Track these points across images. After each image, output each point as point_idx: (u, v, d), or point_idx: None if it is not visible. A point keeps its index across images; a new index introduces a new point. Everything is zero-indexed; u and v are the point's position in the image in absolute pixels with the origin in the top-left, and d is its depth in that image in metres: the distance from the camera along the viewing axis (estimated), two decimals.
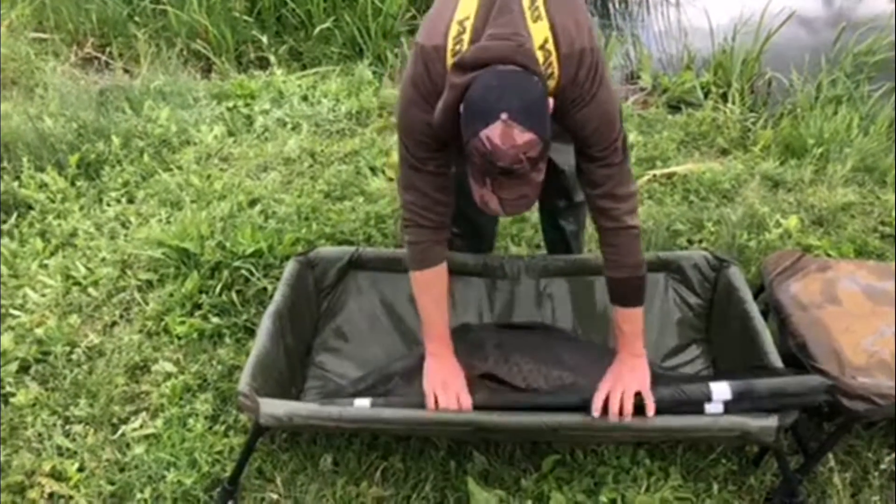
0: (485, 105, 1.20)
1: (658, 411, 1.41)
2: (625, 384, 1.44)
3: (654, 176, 2.69)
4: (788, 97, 3.41)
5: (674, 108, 3.39)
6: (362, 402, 1.49)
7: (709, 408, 1.42)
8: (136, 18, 4.08)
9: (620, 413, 1.41)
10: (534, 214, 2.40)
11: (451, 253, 2.05)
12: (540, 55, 1.29)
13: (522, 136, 1.18)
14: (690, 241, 2.34)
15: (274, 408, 1.44)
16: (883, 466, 1.62)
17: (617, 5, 5.83)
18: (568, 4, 1.36)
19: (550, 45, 1.30)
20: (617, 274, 1.49)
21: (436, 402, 1.45)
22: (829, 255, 2.21)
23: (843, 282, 1.78)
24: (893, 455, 1.65)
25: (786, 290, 1.75)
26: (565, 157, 1.66)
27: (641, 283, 1.49)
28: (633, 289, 1.49)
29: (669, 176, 2.70)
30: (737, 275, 1.78)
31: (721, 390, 1.41)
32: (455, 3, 1.35)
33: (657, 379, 1.48)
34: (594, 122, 1.37)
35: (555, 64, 1.31)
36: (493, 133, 1.18)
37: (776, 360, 1.53)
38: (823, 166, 2.76)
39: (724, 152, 2.94)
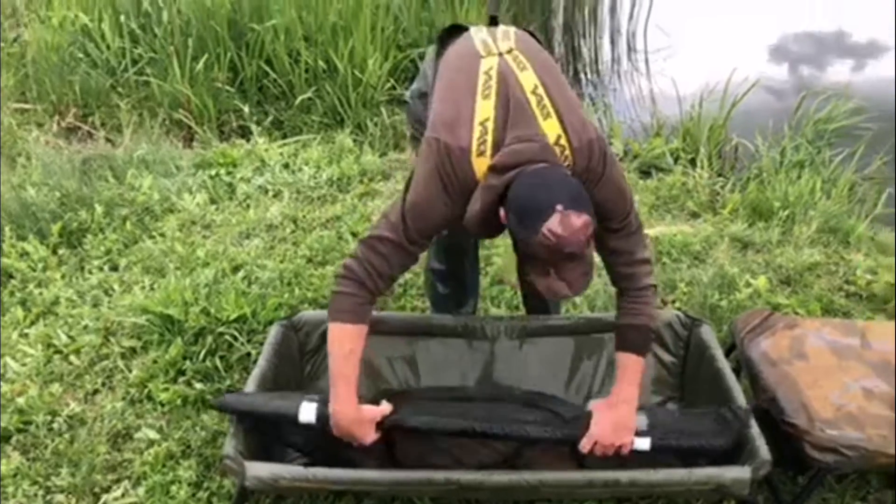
0: (536, 202, 1.35)
1: None
2: (609, 440, 1.55)
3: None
4: (754, 162, 3.61)
5: (645, 173, 3.57)
6: (309, 406, 1.57)
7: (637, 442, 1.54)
8: (119, 89, 4.22)
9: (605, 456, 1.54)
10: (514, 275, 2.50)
11: (431, 315, 2.15)
12: (556, 150, 1.45)
13: (579, 220, 1.33)
14: (664, 302, 2.45)
15: (259, 470, 1.49)
16: None
17: (588, 75, 6.15)
18: (569, 101, 1.53)
19: (564, 141, 1.47)
20: (633, 321, 1.62)
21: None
22: (797, 314, 2.33)
23: (810, 338, 1.89)
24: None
25: (756, 347, 1.86)
26: None
27: (651, 334, 1.65)
28: (644, 337, 1.63)
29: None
30: (708, 333, 1.88)
31: (640, 421, 1.56)
32: (471, 103, 1.49)
33: None
34: (611, 198, 1.53)
35: (570, 156, 1.47)
36: (554, 225, 1.32)
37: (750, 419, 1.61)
38: (790, 228, 2.92)
39: (695, 215, 3.09)
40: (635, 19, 6.71)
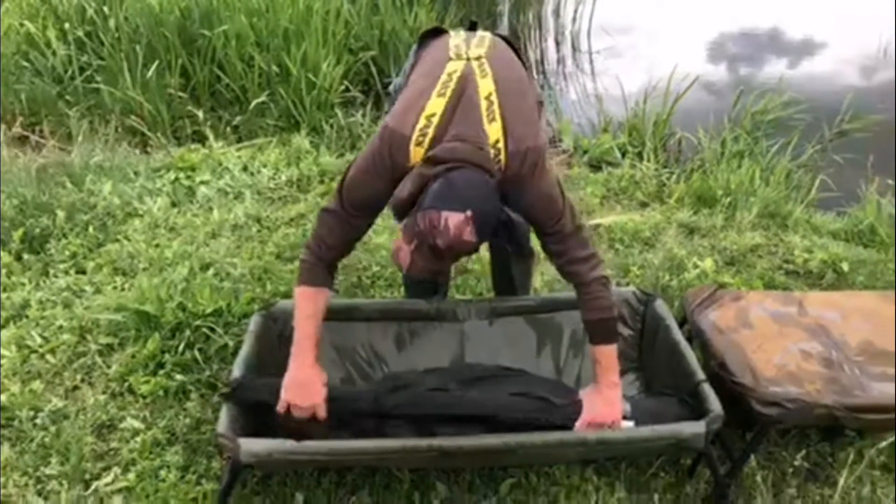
0: (456, 197, 1.48)
1: None
2: (601, 417, 1.70)
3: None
4: (697, 154, 3.85)
5: (595, 167, 3.78)
6: None
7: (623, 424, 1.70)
8: (67, 97, 4.22)
9: None
10: (476, 265, 2.65)
11: (404, 300, 2.28)
12: (492, 151, 1.59)
13: (469, 237, 1.47)
14: (619, 284, 2.62)
15: (253, 445, 1.58)
16: (797, 463, 1.89)
17: (535, 76, 6.36)
18: (520, 106, 1.67)
19: (501, 145, 1.60)
20: (592, 316, 1.76)
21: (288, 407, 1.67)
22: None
23: (753, 309, 2.09)
24: (804, 453, 1.92)
25: (705, 318, 2.04)
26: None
27: (613, 323, 1.77)
28: (606, 328, 1.76)
29: (595, 227, 3.01)
30: (662, 307, 2.05)
31: (624, 407, 1.74)
32: (427, 96, 1.63)
33: None
34: (537, 204, 1.68)
35: (503, 160, 1.61)
36: (454, 220, 1.45)
37: (701, 376, 1.79)
38: (732, 214, 3.15)
39: (643, 205, 3.30)
40: (578, 21, 6.98)
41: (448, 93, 1.62)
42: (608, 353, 1.76)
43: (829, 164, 3.58)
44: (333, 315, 2.08)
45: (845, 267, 2.67)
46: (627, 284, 2.65)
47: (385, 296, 2.54)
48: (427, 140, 1.59)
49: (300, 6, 4.64)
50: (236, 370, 1.81)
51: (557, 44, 6.96)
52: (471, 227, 1.47)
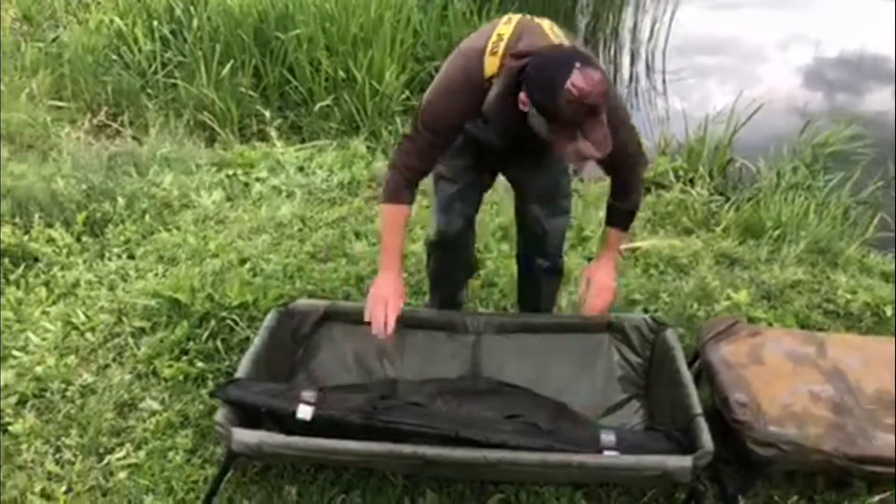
0: (556, 64, 1.55)
1: None
2: (599, 279, 1.99)
3: (619, 250, 2.96)
4: (755, 183, 3.74)
5: (646, 189, 3.71)
6: (306, 408, 1.72)
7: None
8: (149, 90, 4.50)
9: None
10: (503, 279, 2.67)
11: (417, 309, 2.33)
12: None
13: (596, 75, 1.53)
14: (646, 310, 2.59)
15: (245, 436, 1.67)
16: None
17: None
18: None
19: None
20: (622, 206, 1.97)
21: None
22: (770, 326, 2.45)
23: (769, 346, 2.03)
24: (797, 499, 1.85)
25: (716, 351, 2.00)
26: (551, 219, 2.10)
27: (634, 215, 2.02)
28: (629, 218, 2.01)
29: (633, 250, 2.97)
30: (672, 337, 2.02)
31: (609, 439, 1.71)
32: (494, 26, 1.73)
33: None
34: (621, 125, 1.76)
35: None
36: (576, 79, 1.51)
37: (697, 410, 1.75)
38: (779, 247, 3.04)
39: (688, 231, 3.23)
40: (654, 39, 6.86)
41: (512, 23, 1.71)
42: (617, 238, 2.04)
43: (892, 203, 3.41)
44: (349, 318, 2.17)
45: (889, 311, 2.54)
46: (655, 311, 2.61)
47: (409, 303, 2.59)
48: (501, 50, 1.66)
49: (372, 14, 4.78)
50: (244, 363, 1.90)
51: (632, 61, 6.88)
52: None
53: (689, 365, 2.04)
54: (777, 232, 3.11)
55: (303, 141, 4.20)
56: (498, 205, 3.29)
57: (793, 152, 3.84)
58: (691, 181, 3.64)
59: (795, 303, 2.65)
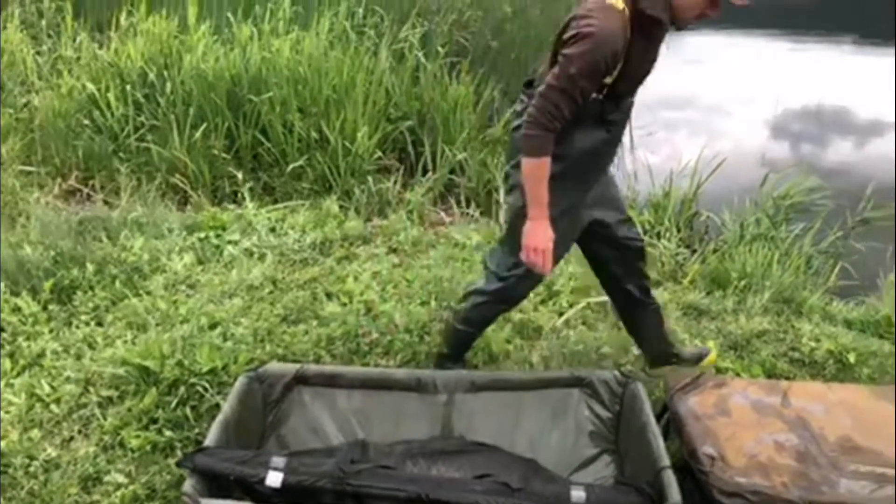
0: None
1: None
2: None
3: (589, 304, 3.02)
4: (720, 235, 3.85)
5: None
6: (276, 475, 1.72)
7: None
8: (121, 154, 4.55)
9: None
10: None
11: (385, 370, 2.35)
12: None
13: None
14: (617, 364, 2.63)
15: None
16: None
17: None
18: None
19: None
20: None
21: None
22: (738, 376, 2.51)
23: (735, 396, 2.08)
24: None
25: (684, 403, 2.04)
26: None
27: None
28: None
29: (602, 304, 3.03)
30: (640, 390, 2.07)
31: (579, 495, 1.72)
32: None
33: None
34: None
35: None
36: None
37: (665, 463, 1.78)
38: (745, 298, 3.12)
39: (657, 284, 3.30)
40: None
41: None
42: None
43: (852, 252, 3.53)
44: (320, 381, 2.19)
45: (851, 358, 2.62)
46: (625, 364, 2.66)
47: (380, 364, 2.62)
48: None
49: (344, 76, 4.91)
50: (213, 431, 1.90)
51: None
52: None
53: (659, 417, 2.09)
54: (742, 282, 3.20)
55: (275, 202, 4.25)
56: (469, 261, 3.36)
57: (755, 204, 3.98)
58: (658, 235, 3.74)
59: (762, 352, 2.72)
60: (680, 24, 2.01)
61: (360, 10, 5.87)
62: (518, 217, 2.11)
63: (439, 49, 5.67)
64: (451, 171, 4.69)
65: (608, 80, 1.95)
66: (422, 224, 3.96)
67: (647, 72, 2.08)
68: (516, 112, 2.17)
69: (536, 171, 1.99)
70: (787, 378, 2.55)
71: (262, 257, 3.43)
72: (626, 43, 1.91)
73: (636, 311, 2.47)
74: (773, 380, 2.37)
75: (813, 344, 2.72)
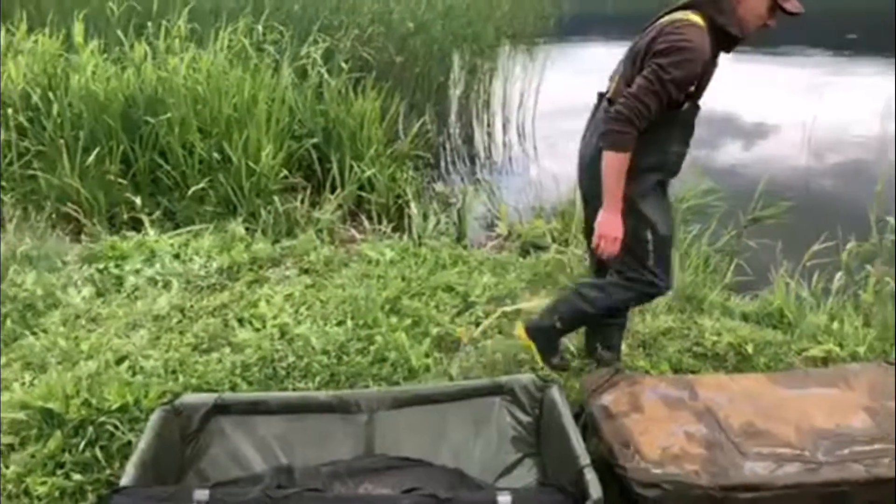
0: None
1: None
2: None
3: (504, 312, 3.12)
4: None
5: (525, 251, 3.95)
6: (202, 493, 1.70)
7: None
8: (3, 183, 4.32)
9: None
10: (392, 353, 2.73)
11: (306, 393, 2.36)
12: None
13: None
14: (533, 369, 2.73)
15: None
16: None
17: (482, 159, 6.65)
18: None
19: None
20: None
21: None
22: (648, 373, 2.66)
23: (647, 393, 2.20)
24: None
25: (599, 403, 2.16)
26: None
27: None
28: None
29: (517, 312, 3.14)
30: (558, 393, 2.16)
31: (504, 500, 1.77)
32: (665, 13, 2.23)
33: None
34: None
35: None
36: None
37: (585, 461, 1.87)
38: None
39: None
40: (524, 107, 7.35)
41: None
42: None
43: (746, 250, 3.80)
44: (239, 409, 2.17)
45: (750, 349, 2.82)
46: (542, 368, 2.76)
47: (299, 387, 2.61)
48: (692, 14, 2.17)
49: (245, 94, 4.86)
50: (129, 470, 1.85)
51: (504, 129, 7.32)
52: None
53: (577, 418, 2.19)
54: None
55: (177, 227, 4.16)
56: (383, 278, 3.40)
57: None
58: (566, 241, 3.90)
59: (668, 349, 2.88)
60: (743, 35, 2.21)
61: (260, 27, 5.84)
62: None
63: (343, 65, 5.72)
64: (360, 188, 4.73)
65: (691, 88, 2.19)
66: (333, 243, 3.97)
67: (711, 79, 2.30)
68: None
69: (619, 164, 2.16)
70: (693, 372, 2.71)
71: (167, 286, 3.35)
72: (708, 56, 2.15)
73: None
74: (681, 375, 2.52)
75: (714, 338, 2.91)
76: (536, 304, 3.22)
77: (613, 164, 2.17)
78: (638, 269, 2.37)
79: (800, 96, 8.28)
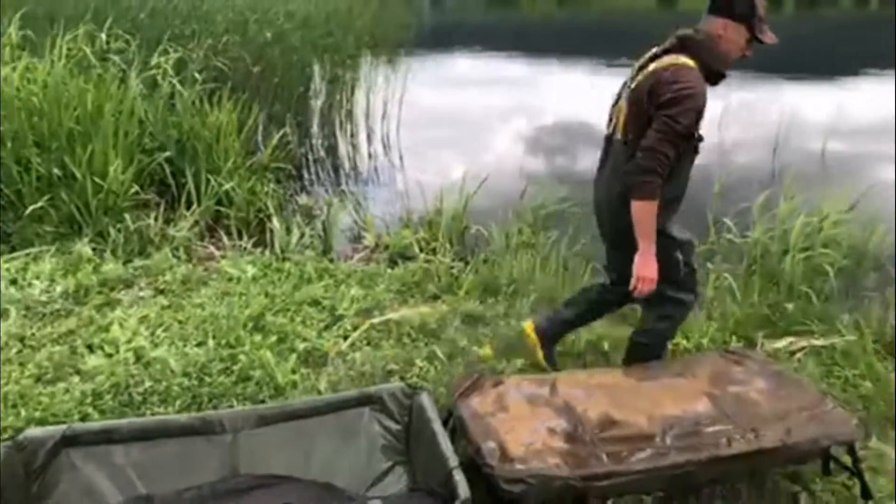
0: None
1: None
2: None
3: (372, 324, 3.16)
4: (489, 246, 4.21)
5: (393, 262, 4.01)
6: None
7: None
8: None
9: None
10: (257, 372, 2.69)
11: (162, 417, 2.29)
12: None
13: None
14: (403, 378, 2.79)
15: None
16: None
17: (347, 170, 6.67)
18: None
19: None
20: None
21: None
22: (515, 373, 2.78)
23: (511, 393, 2.31)
24: None
25: (466, 405, 2.24)
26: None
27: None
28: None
29: (385, 323, 3.19)
30: (426, 399, 2.22)
31: None
32: (661, 53, 2.42)
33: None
34: None
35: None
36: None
37: (454, 463, 1.94)
38: (514, 302, 3.46)
39: (435, 297, 3.54)
40: (387, 118, 7.44)
41: (659, 47, 2.46)
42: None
43: (602, 252, 4.04)
44: (90, 439, 2.07)
45: (606, 346, 3.02)
46: (412, 377, 2.82)
47: (158, 412, 2.52)
48: (684, 57, 2.37)
49: (89, 106, 4.61)
50: None
51: (369, 140, 7.37)
52: None
53: (446, 422, 2.27)
54: (511, 288, 3.54)
55: (13, 250, 3.88)
56: (245, 295, 3.34)
57: (517, 215, 4.40)
58: (434, 250, 4.00)
59: None
60: (728, 69, 2.43)
61: (103, 35, 5.56)
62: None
63: (196, 75, 5.56)
64: (219, 202, 4.61)
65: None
66: (190, 261, 3.85)
67: None
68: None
69: (651, 210, 2.34)
70: (556, 370, 2.86)
71: (4, 314, 3.12)
72: (706, 94, 2.36)
73: (599, 311, 2.88)
74: (543, 374, 2.65)
75: (573, 337, 3.09)
76: (404, 313, 3.28)
77: (645, 210, 2.34)
78: (674, 289, 2.53)
79: None
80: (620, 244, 2.48)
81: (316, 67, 7.38)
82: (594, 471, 1.97)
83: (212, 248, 4.18)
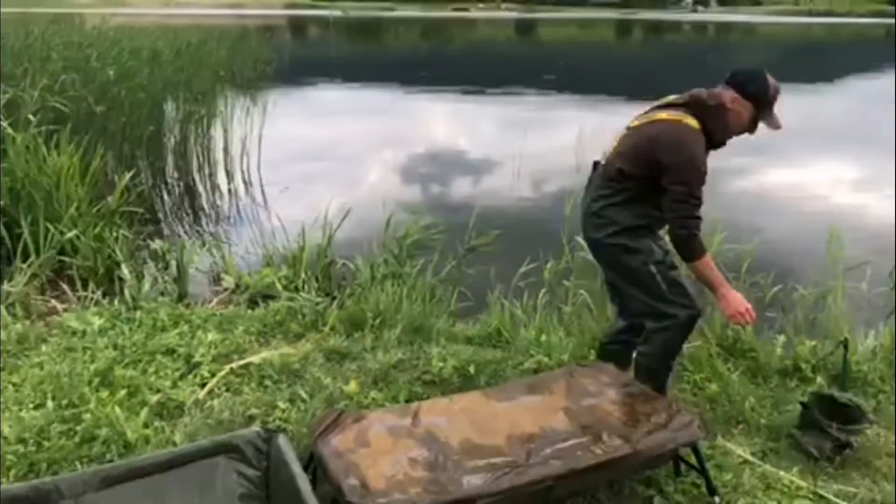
0: (752, 72, 2.60)
1: None
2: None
3: (232, 369, 3.08)
4: (355, 280, 4.22)
5: (255, 303, 3.94)
6: None
7: None
8: None
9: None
10: (104, 430, 2.56)
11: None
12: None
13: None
14: (265, 422, 2.73)
15: None
16: None
17: (207, 210, 6.50)
18: None
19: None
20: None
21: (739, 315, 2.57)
22: (383, 406, 2.80)
23: (373, 427, 2.32)
24: None
25: (327, 444, 2.22)
26: None
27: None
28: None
29: (246, 366, 3.12)
30: (284, 442, 2.18)
31: None
32: (663, 111, 2.65)
33: None
34: None
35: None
36: (771, 80, 2.58)
37: None
38: (381, 334, 3.48)
39: (299, 336, 3.50)
40: (247, 155, 7.33)
41: (660, 103, 2.72)
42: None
43: (466, 277, 4.17)
44: None
45: (472, 370, 3.10)
46: (274, 421, 2.77)
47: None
48: (682, 114, 2.59)
49: None
50: None
51: (229, 178, 7.23)
52: None
53: (309, 463, 2.24)
54: (378, 320, 3.56)
55: None
56: (91, 349, 3.18)
57: (383, 246, 4.45)
58: (297, 288, 3.96)
59: (399, 380, 3.06)
60: (726, 141, 2.64)
61: None
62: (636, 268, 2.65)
63: (30, 117, 5.26)
64: (61, 251, 4.36)
65: None
66: (29, 317, 3.61)
67: None
68: (601, 195, 2.69)
69: (708, 264, 2.58)
70: (424, 398, 2.90)
71: None
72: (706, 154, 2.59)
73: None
74: (406, 404, 2.68)
75: (441, 364, 3.15)
76: (264, 356, 3.23)
77: (704, 266, 2.58)
78: (659, 303, 2.64)
79: (513, 132, 9.27)
80: (595, 254, 2.83)
81: (168, 105, 7.16)
82: (455, 496, 2.01)
83: (54, 302, 3.94)
